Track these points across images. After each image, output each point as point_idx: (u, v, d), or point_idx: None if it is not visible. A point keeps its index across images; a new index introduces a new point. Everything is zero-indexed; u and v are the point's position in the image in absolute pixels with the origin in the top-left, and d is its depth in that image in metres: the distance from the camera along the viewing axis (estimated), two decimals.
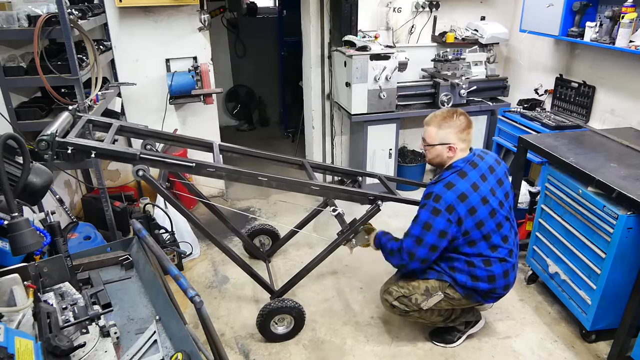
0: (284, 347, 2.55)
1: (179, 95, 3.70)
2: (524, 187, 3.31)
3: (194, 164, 2.17)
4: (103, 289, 1.47)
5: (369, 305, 2.88)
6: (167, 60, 3.73)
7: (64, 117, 2.13)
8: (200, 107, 3.94)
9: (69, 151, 1.93)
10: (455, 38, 4.10)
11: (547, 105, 3.87)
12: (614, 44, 2.91)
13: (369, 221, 2.55)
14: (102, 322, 1.33)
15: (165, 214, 3.14)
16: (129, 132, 2.51)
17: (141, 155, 2.08)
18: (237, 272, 3.16)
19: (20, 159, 1.34)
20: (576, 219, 2.50)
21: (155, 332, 1.44)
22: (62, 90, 2.80)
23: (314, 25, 3.99)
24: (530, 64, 4.13)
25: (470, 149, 2.25)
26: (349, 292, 3.01)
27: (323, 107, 4.28)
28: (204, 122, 3.98)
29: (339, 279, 3.13)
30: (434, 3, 4.03)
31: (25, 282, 1.26)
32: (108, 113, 3.33)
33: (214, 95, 3.83)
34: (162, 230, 3.11)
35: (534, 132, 3.45)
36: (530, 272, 3.01)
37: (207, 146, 2.59)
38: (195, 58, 3.79)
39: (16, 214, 1.22)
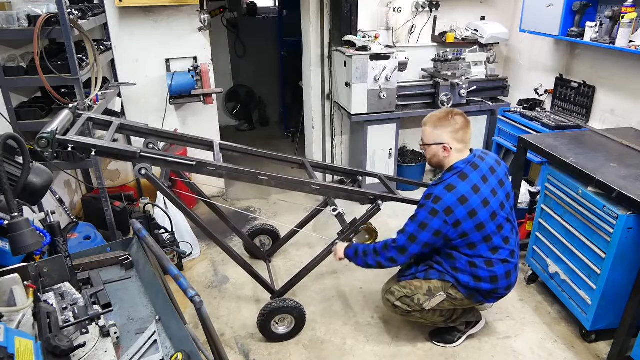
0: (284, 347, 2.55)
1: (179, 95, 3.70)
2: (524, 187, 3.31)
3: (194, 163, 2.17)
4: (103, 289, 1.46)
5: (369, 305, 2.88)
6: (167, 60, 3.73)
7: (65, 115, 2.13)
8: (200, 107, 3.94)
9: (69, 149, 1.93)
10: (455, 38, 4.10)
11: (547, 105, 3.87)
12: (614, 44, 2.91)
13: (369, 221, 2.55)
14: (102, 322, 1.33)
15: (165, 214, 3.14)
16: (129, 130, 2.51)
17: (141, 154, 2.08)
18: (237, 272, 3.16)
19: (20, 159, 1.34)
20: (576, 219, 2.50)
21: (155, 332, 1.44)
22: (62, 90, 2.81)
23: (314, 25, 3.99)
24: (530, 64, 4.13)
25: (471, 150, 2.25)
26: (349, 292, 3.01)
27: (323, 107, 4.28)
28: (204, 122, 3.98)
29: (339, 279, 3.13)
30: (434, 3, 4.03)
31: (25, 282, 1.25)
32: (108, 113, 3.32)
33: (214, 95, 3.83)
34: (162, 230, 3.11)
35: (534, 132, 3.45)
36: (530, 272, 3.01)
37: (207, 145, 2.60)
38: (195, 58, 3.79)
39: (16, 214, 1.22)
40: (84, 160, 2.83)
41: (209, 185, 4.11)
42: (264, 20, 6.20)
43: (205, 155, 2.60)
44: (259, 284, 2.65)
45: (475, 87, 3.99)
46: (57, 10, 2.52)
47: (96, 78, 2.94)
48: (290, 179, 2.38)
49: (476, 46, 4.11)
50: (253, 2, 6.21)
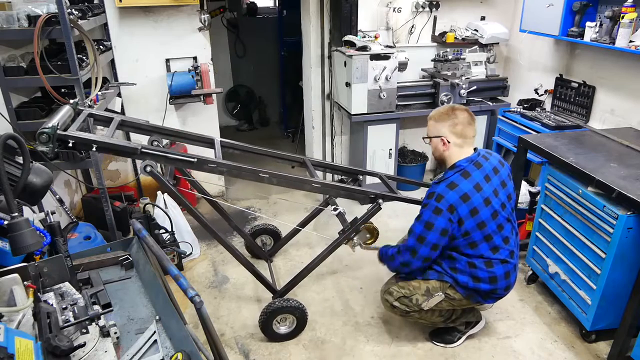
0: (283, 347, 2.55)
1: (179, 95, 3.70)
2: (524, 187, 3.31)
3: (195, 160, 2.17)
4: (103, 289, 1.46)
5: (369, 305, 2.88)
6: (167, 60, 3.73)
7: (65, 111, 2.13)
8: (200, 107, 3.94)
9: (70, 144, 1.93)
10: (455, 38, 4.10)
11: (547, 105, 3.87)
12: (614, 44, 2.91)
13: (370, 220, 2.55)
14: (102, 322, 1.33)
15: (165, 214, 3.14)
16: (130, 126, 2.50)
17: (142, 150, 2.07)
18: (237, 272, 3.17)
19: (20, 159, 1.34)
20: (576, 219, 2.50)
21: (155, 332, 1.44)
22: (62, 90, 2.81)
23: (314, 25, 3.99)
24: (530, 64, 4.13)
25: (475, 149, 2.25)
26: (349, 292, 3.01)
27: (323, 107, 4.28)
28: (204, 122, 3.98)
29: (339, 279, 3.13)
30: (434, 3, 4.03)
31: (25, 282, 1.25)
32: None
33: (214, 95, 3.83)
34: (162, 230, 3.11)
35: (534, 132, 3.45)
36: (530, 272, 3.01)
37: (208, 142, 2.60)
38: (195, 58, 3.79)
39: (16, 214, 1.22)
40: (84, 160, 2.83)
41: (209, 183, 4.11)
42: (264, 20, 6.20)
43: (206, 154, 2.60)
44: (261, 284, 2.66)
45: (475, 87, 3.99)
46: (57, 10, 2.52)
47: (96, 78, 2.94)
48: (291, 176, 2.38)
49: (476, 46, 4.11)
50: (253, 2, 6.21)
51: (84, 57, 2.89)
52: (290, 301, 2.53)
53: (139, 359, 1.36)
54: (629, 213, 2.15)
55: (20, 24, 2.56)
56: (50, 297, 1.33)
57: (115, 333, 1.36)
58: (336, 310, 2.84)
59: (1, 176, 1.21)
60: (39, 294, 1.30)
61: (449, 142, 2.19)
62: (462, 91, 3.90)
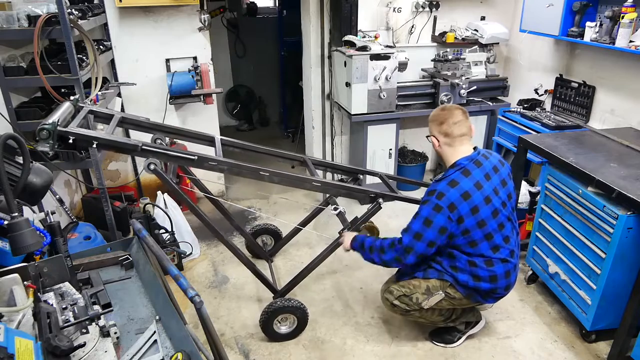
0: (283, 347, 2.55)
1: (179, 95, 3.70)
2: (524, 187, 3.31)
3: (195, 157, 2.17)
4: (103, 289, 1.46)
5: (369, 305, 2.88)
6: (167, 60, 3.73)
7: (66, 107, 2.13)
8: (200, 107, 3.94)
9: (70, 141, 1.93)
10: (455, 38, 4.10)
11: (547, 105, 3.87)
12: (614, 44, 2.91)
13: (370, 219, 2.55)
14: (102, 322, 1.33)
15: (165, 214, 3.14)
16: (130, 123, 2.51)
17: (143, 147, 2.07)
18: (237, 272, 3.17)
19: (20, 159, 1.34)
20: (576, 219, 2.50)
21: (155, 332, 1.44)
22: (62, 90, 2.80)
23: (314, 25, 3.99)
24: (530, 64, 4.13)
25: (475, 148, 2.26)
26: (349, 292, 3.01)
27: (323, 107, 4.28)
28: (204, 122, 3.98)
29: (339, 279, 3.13)
30: (434, 3, 4.03)
31: (25, 282, 1.25)
32: None
33: (214, 95, 3.83)
34: (162, 230, 3.11)
35: (534, 132, 3.45)
36: (530, 272, 3.01)
37: (209, 140, 2.60)
38: (195, 58, 3.79)
39: (16, 214, 1.22)
40: (84, 160, 2.82)
41: (209, 181, 4.11)
42: (264, 20, 6.20)
43: (206, 153, 2.61)
44: (262, 283, 2.66)
45: (475, 87, 3.99)
46: (57, 10, 2.52)
47: (96, 78, 2.94)
48: (292, 175, 2.38)
49: (476, 46, 4.11)
50: (253, 2, 6.20)
51: (84, 57, 2.89)
52: (292, 301, 2.53)
53: (139, 359, 1.36)
54: (629, 213, 2.14)
55: (20, 24, 2.56)
56: (50, 297, 1.33)
57: (115, 333, 1.36)
58: (336, 310, 2.84)
59: (1, 176, 1.21)
60: (39, 294, 1.30)
61: (438, 140, 2.24)
62: (462, 91, 3.90)
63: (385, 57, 3.64)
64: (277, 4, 6.36)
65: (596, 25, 3.06)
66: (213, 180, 3.91)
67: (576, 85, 3.56)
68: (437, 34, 4.20)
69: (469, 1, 4.21)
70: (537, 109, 3.82)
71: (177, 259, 3.14)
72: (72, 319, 1.26)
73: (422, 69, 4.27)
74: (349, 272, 3.20)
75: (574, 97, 3.60)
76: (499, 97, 4.23)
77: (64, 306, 1.31)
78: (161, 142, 2.48)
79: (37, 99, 2.97)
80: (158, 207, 3.19)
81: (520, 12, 3.73)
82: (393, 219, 3.72)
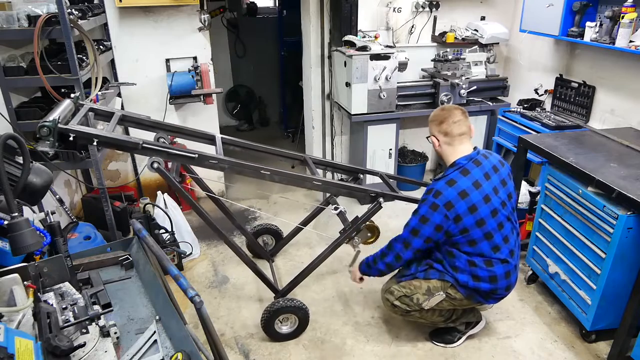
0: (283, 347, 2.55)
1: (179, 95, 3.70)
2: (524, 187, 3.31)
3: (196, 155, 2.17)
4: (103, 289, 1.46)
5: (369, 305, 2.88)
6: (167, 60, 3.73)
7: (66, 105, 2.13)
8: (200, 107, 3.94)
9: (71, 138, 1.93)
10: (455, 38, 4.10)
11: (547, 105, 3.87)
12: (614, 44, 2.91)
13: (371, 219, 2.55)
14: (102, 322, 1.33)
15: (165, 214, 3.14)
16: (131, 122, 2.50)
17: (143, 145, 2.07)
18: (237, 272, 3.17)
19: (20, 159, 1.34)
20: (576, 219, 2.50)
21: (155, 332, 1.44)
22: (62, 90, 2.80)
23: (314, 25, 3.99)
24: (530, 64, 4.13)
25: (475, 148, 2.26)
26: (349, 292, 3.01)
27: (323, 107, 4.28)
28: (204, 122, 3.98)
29: (339, 279, 3.13)
30: (434, 3, 4.03)
31: (25, 282, 1.25)
32: None
33: (214, 95, 3.83)
34: (162, 230, 3.11)
35: (534, 132, 3.45)
36: (530, 272, 3.01)
37: (209, 138, 2.60)
38: (195, 58, 3.79)
39: (16, 214, 1.22)
40: (84, 160, 2.82)
41: (210, 180, 4.11)
42: (264, 20, 6.20)
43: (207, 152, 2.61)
44: (263, 283, 2.65)
45: (475, 87, 3.99)
46: (57, 10, 2.52)
47: (96, 78, 2.94)
48: (292, 174, 2.38)
49: (476, 46, 4.11)
50: (253, 2, 6.20)
51: (84, 57, 2.89)
52: (294, 301, 2.53)
53: (139, 359, 1.36)
54: (629, 213, 2.14)
55: (20, 24, 2.56)
56: (50, 297, 1.33)
57: (115, 333, 1.36)
58: (336, 310, 2.84)
59: (1, 176, 1.21)
60: (39, 294, 1.30)
61: (438, 140, 2.25)
62: (462, 91, 3.90)
63: (385, 57, 3.64)
64: (277, 4, 6.36)
65: (596, 25, 3.06)
66: (213, 180, 3.91)
67: (576, 85, 3.56)
68: (437, 34, 4.20)
69: (469, 1, 4.21)
70: (537, 109, 3.82)
71: (177, 259, 3.14)
72: (72, 319, 1.26)
73: (422, 69, 4.27)
74: (349, 272, 3.19)
75: (574, 97, 3.60)
76: (499, 97, 4.23)
77: (64, 306, 1.31)
78: (164, 141, 2.48)
79: (37, 99, 2.97)
80: (158, 207, 3.19)
81: (520, 12, 3.73)
82: (393, 219, 3.72)
